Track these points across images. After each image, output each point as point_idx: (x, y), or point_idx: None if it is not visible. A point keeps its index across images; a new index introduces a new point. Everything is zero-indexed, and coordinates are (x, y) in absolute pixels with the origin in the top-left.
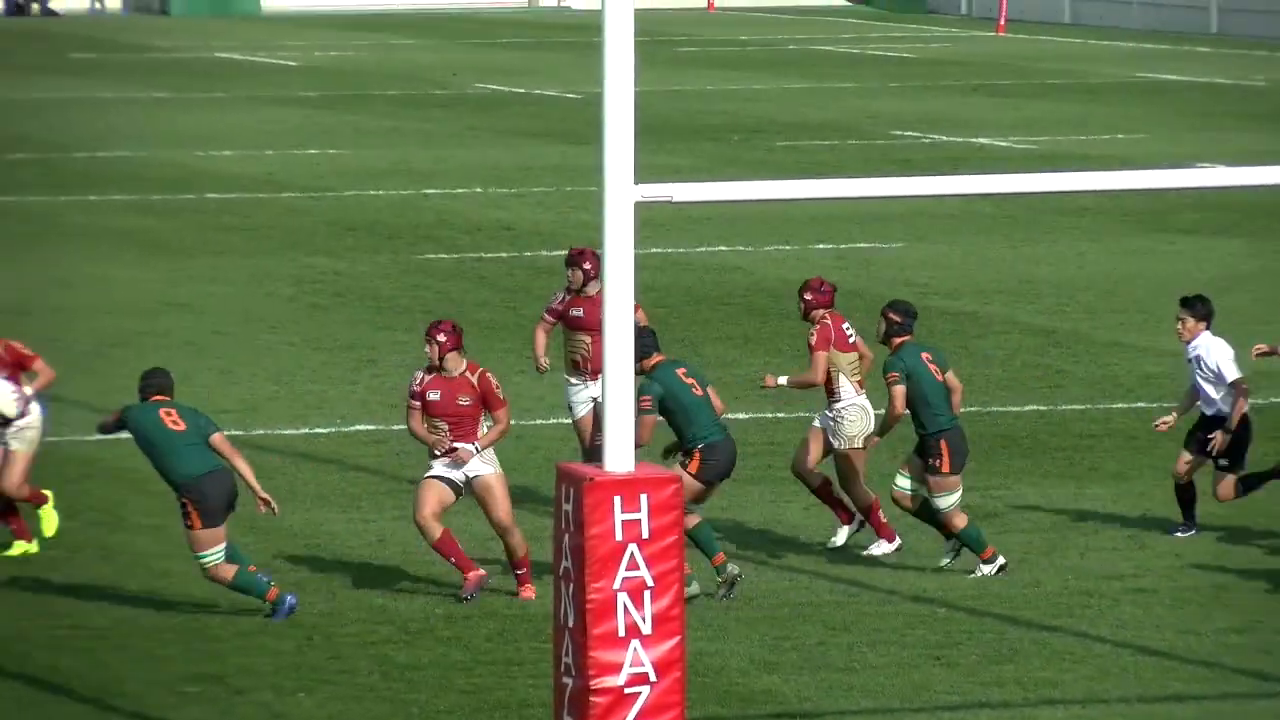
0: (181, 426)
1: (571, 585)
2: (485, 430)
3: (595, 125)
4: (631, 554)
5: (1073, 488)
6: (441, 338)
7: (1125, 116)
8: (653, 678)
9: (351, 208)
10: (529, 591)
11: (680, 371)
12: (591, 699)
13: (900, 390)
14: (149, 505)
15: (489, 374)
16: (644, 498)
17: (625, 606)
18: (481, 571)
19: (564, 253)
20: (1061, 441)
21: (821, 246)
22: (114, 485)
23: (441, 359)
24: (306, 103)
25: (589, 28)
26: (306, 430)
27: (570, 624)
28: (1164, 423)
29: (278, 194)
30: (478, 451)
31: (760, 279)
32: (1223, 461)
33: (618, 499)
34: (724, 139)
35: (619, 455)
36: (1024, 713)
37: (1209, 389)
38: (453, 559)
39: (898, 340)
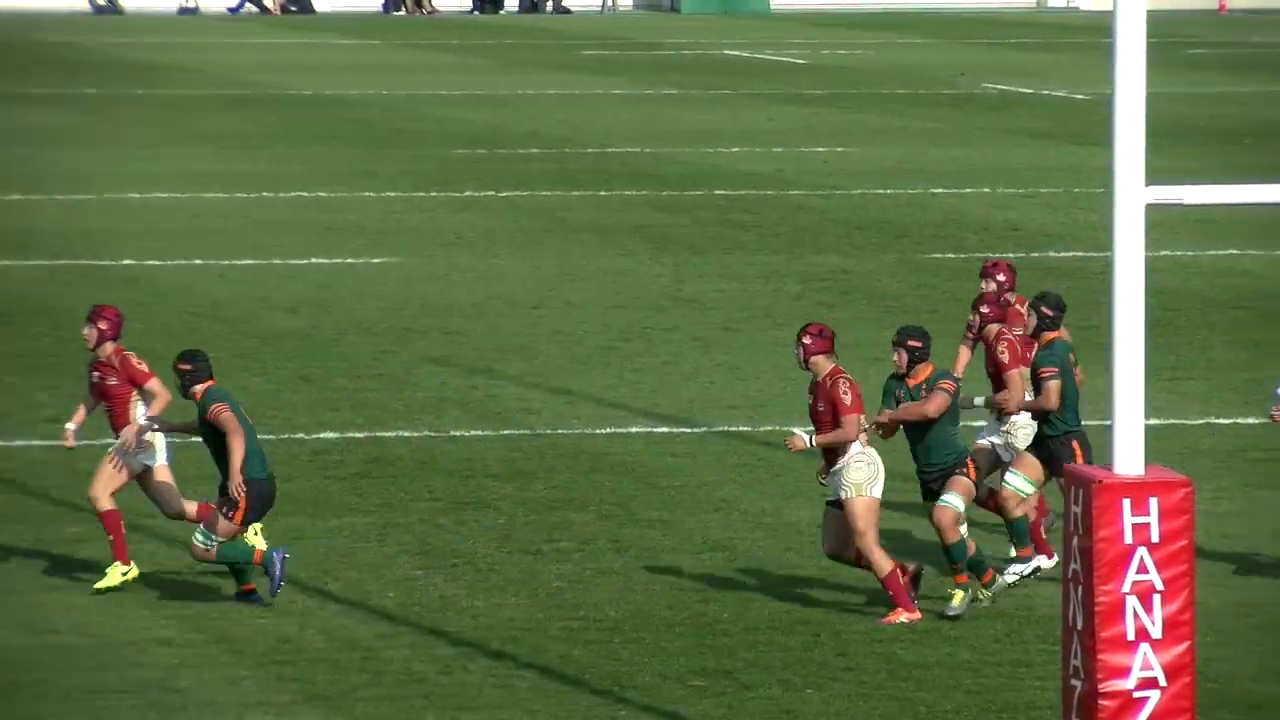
0: (251, 421)
1: (1080, 588)
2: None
3: (1104, 126)
4: (1141, 557)
5: None
6: (807, 340)
7: None
8: (1162, 682)
9: (859, 206)
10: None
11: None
12: (1100, 702)
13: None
14: (659, 499)
15: (835, 380)
16: (1153, 501)
17: (1134, 610)
18: (916, 614)
19: (1073, 254)
20: None
21: None
22: (624, 478)
23: (806, 362)
24: (814, 100)
25: (1097, 28)
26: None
27: (1079, 626)
28: None
29: (785, 191)
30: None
31: (1271, 283)
32: None
33: (1126, 502)
34: (1236, 142)
35: (1128, 458)
36: None
37: None
38: (890, 592)
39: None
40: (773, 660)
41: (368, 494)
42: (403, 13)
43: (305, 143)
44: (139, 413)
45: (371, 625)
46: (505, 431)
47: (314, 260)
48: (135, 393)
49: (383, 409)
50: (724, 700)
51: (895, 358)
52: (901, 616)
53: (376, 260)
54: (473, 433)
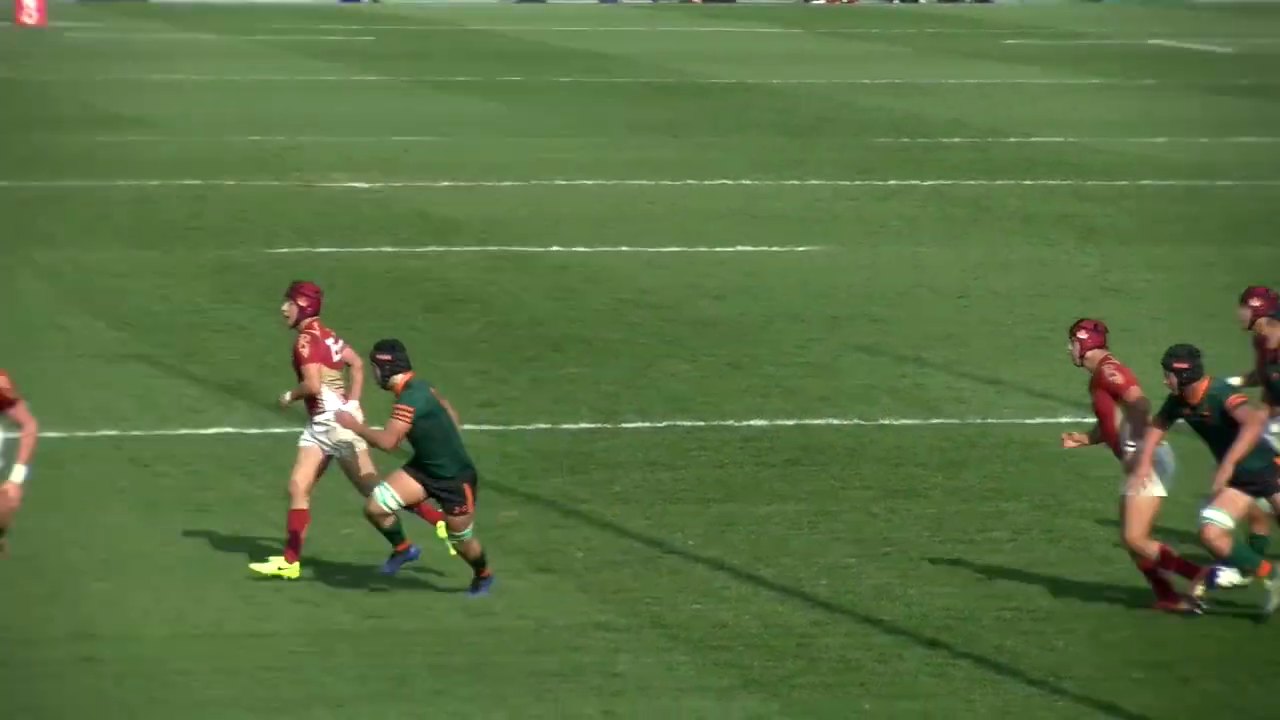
0: (453, 413)
1: None
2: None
3: None
4: None
5: None
6: (1083, 335)
7: None
8: None
9: None
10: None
11: None
12: None
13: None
14: (1092, 489)
15: (1102, 366)
16: None
17: None
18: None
19: None
20: None
21: None
22: (1055, 469)
23: (1081, 357)
24: (1239, 90)
25: None
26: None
27: None
28: None
29: (1213, 181)
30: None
31: None
32: None
33: None
34: None
35: None
36: None
37: None
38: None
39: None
40: (1211, 652)
41: (799, 481)
42: (822, 1)
43: (727, 131)
44: (326, 394)
45: (806, 612)
46: (935, 420)
47: (740, 248)
48: (323, 373)
49: (812, 396)
50: (1165, 693)
51: (1166, 381)
52: (1182, 603)
53: (801, 248)
54: (902, 421)
